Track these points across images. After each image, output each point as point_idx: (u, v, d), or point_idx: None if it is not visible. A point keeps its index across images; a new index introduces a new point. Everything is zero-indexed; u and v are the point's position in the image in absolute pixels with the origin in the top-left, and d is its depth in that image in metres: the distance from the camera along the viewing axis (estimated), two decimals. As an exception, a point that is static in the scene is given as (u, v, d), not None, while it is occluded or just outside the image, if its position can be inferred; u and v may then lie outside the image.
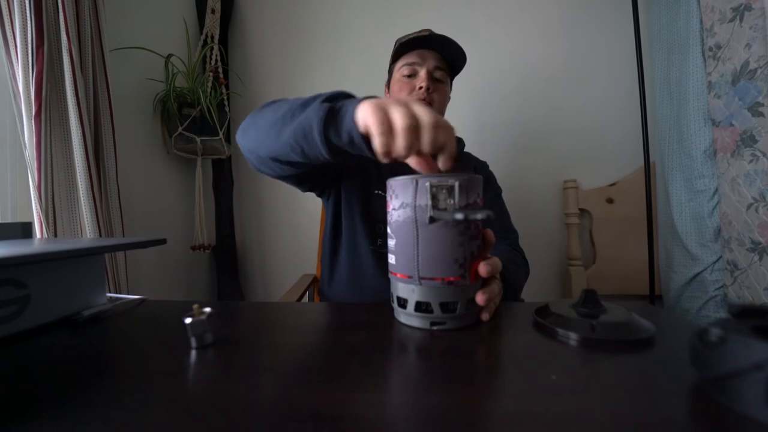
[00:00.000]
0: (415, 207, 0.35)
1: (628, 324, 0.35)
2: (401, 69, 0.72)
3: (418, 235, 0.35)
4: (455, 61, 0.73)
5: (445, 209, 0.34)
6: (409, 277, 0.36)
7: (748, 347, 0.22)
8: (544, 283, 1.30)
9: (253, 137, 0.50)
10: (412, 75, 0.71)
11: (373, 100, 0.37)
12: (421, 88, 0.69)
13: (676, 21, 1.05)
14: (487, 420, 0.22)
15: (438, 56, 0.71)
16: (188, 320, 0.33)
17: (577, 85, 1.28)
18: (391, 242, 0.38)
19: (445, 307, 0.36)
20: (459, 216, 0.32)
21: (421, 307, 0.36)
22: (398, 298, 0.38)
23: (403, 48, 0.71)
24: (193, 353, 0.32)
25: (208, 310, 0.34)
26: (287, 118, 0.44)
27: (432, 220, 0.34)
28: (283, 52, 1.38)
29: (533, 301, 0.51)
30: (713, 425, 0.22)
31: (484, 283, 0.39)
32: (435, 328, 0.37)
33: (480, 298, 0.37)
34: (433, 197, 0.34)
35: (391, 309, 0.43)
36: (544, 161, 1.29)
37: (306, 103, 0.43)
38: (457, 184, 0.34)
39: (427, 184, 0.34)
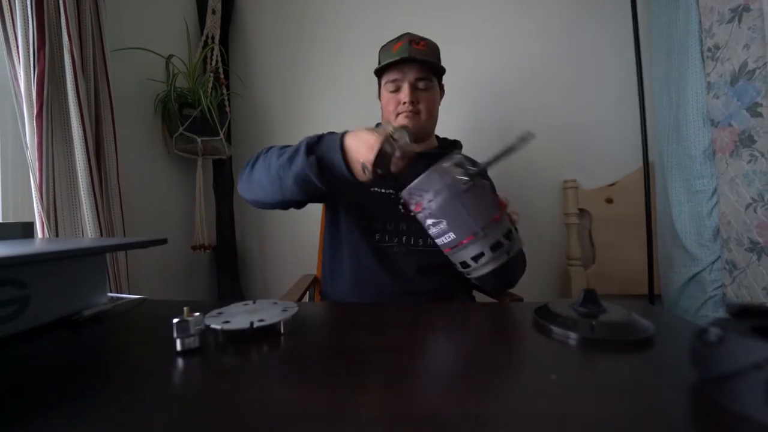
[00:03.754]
0: (448, 186, 0.44)
1: (627, 324, 0.35)
2: (386, 85, 0.75)
3: (463, 203, 0.44)
4: (437, 67, 0.75)
5: (468, 175, 0.44)
6: (474, 234, 0.45)
7: (747, 347, 0.22)
8: (544, 283, 1.30)
9: (259, 193, 0.62)
10: (396, 90, 0.74)
11: (349, 135, 0.50)
12: (405, 103, 0.72)
13: (675, 22, 1.05)
14: (487, 420, 0.22)
15: (419, 67, 0.72)
16: (175, 320, 0.32)
17: (576, 85, 1.28)
18: (441, 225, 0.46)
19: (507, 236, 0.46)
20: (484, 165, 0.44)
21: (495, 247, 0.46)
22: (473, 258, 0.46)
23: (383, 66, 0.75)
24: (193, 353, 0.32)
25: (197, 314, 0.34)
26: (284, 170, 0.55)
27: (469, 185, 0.44)
28: (284, 52, 1.38)
29: (533, 301, 0.51)
30: (713, 425, 0.22)
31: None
32: (510, 254, 0.46)
33: (515, 215, 0.51)
34: (456, 172, 0.45)
35: (391, 308, 0.44)
36: (544, 161, 1.29)
37: (293, 157, 0.54)
38: (461, 156, 0.46)
39: (448, 167, 0.45)
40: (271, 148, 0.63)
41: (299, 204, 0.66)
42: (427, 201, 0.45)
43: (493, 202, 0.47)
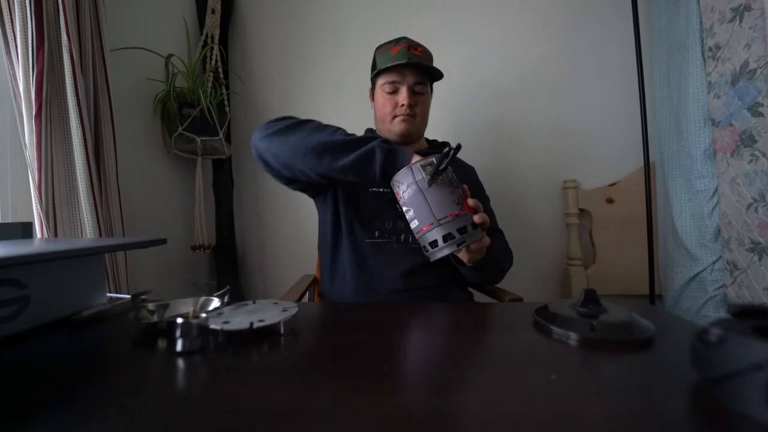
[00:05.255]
0: (416, 181, 0.53)
1: (628, 324, 0.35)
2: (383, 86, 0.76)
3: (425, 196, 0.53)
4: (437, 73, 0.77)
5: (434, 174, 0.52)
6: (431, 224, 0.53)
7: (748, 347, 0.22)
8: (544, 283, 1.30)
9: (291, 153, 0.60)
10: (393, 92, 0.75)
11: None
12: (403, 105, 0.74)
13: (675, 21, 1.05)
14: (486, 420, 0.22)
15: (417, 71, 0.74)
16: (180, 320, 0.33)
17: (577, 85, 1.28)
18: (409, 213, 0.55)
19: (460, 230, 0.53)
20: (440, 167, 0.51)
21: (446, 238, 0.52)
22: (429, 244, 0.54)
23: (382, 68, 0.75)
24: (193, 353, 0.32)
25: (202, 315, 0.34)
26: (346, 150, 0.58)
27: (430, 183, 0.52)
28: (284, 52, 1.38)
29: (533, 301, 0.51)
30: (713, 425, 0.22)
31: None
32: (460, 246, 0.53)
33: (477, 218, 0.55)
34: (425, 171, 0.53)
35: (391, 308, 0.44)
36: (544, 161, 1.29)
37: (361, 141, 0.59)
38: (434, 159, 0.53)
39: (418, 165, 0.53)
40: (300, 121, 0.63)
41: (312, 187, 0.72)
42: (402, 191, 0.55)
43: (455, 200, 0.54)
